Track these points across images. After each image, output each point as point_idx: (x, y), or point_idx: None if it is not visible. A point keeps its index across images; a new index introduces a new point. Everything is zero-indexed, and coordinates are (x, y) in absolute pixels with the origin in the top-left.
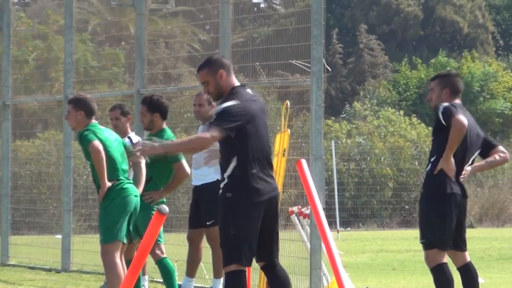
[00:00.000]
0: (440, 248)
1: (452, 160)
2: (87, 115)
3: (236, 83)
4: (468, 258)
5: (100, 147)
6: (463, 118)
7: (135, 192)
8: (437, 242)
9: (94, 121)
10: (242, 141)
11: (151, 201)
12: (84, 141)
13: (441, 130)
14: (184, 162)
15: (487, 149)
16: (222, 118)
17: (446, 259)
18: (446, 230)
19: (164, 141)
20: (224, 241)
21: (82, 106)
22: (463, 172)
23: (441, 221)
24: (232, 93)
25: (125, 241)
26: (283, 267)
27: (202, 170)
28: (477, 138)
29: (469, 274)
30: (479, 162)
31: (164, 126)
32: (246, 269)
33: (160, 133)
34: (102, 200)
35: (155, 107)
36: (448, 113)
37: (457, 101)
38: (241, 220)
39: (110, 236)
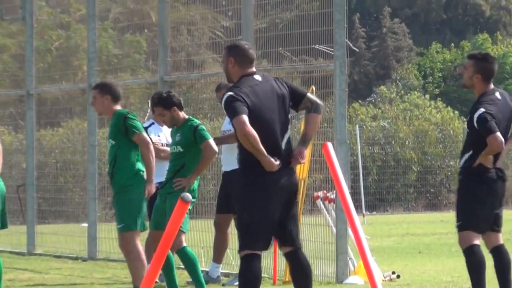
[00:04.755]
0: (474, 230)
1: (490, 156)
2: (114, 100)
3: (248, 72)
4: (501, 241)
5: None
6: (499, 135)
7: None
8: (471, 225)
9: (118, 107)
10: None
11: (181, 188)
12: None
13: (477, 130)
14: (211, 140)
15: None
16: (230, 108)
17: (479, 242)
18: (482, 214)
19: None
20: (237, 226)
21: (108, 91)
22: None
23: (478, 206)
24: (236, 82)
25: (144, 228)
26: (305, 255)
27: (233, 156)
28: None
29: (501, 256)
30: (509, 141)
31: (186, 116)
32: (261, 253)
33: (186, 125)
34: (119, 189)
35: (170, 103)
36: (484, 126)
37: (491, 88)
38: (250, 205)
39: (132, 224)
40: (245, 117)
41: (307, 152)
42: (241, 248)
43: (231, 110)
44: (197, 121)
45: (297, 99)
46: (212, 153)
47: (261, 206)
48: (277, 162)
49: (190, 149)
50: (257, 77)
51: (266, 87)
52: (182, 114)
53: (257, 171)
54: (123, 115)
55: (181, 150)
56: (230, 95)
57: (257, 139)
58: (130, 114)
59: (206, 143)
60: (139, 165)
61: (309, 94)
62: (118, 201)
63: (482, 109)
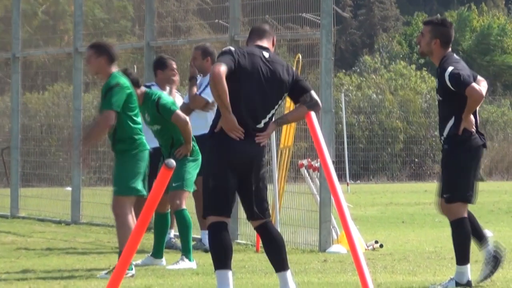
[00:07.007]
0: (464, 201)
1: (472, 118)
2: (109, 61)
3: (258, 44)
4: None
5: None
6: (477, 86)
7: (148, 147)
8: (462, 196)
9: (115, 68)
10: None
11: (183, 156)
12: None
13: (451, 94)
14: (178, 111)
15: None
16: (218, 56)
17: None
18: (470, 183)
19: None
20: (202, 190)
21: (103, 52)
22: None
23: (466, 175)
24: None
25: (141, 194)
26: (274, 227)
27: (201, 120)
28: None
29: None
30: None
31: (144, 89)
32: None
33: (148, 101)
34: (119, 153)
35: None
36: (459, 81)
37: (449, 51)
38: (211, 172)
39: (126, 189)
40: (224, 67)
41: (291, 125)
42: (205, 213)
43: (218, 58)
44: (155, 93)
45: (298, 90)
46: (184, 123)
47: (219, 172)
48: (240, 129)
49: (165, 122)
50: (266, 53)
51: (270, 66)
52: (140, 91)
53: (221, 138)
54: (108, 86)
55: (159, 127)
56: (228, 48)
57: (225, 91)
58: (116, 87)
59: (175, 116)
60: (136, 131)
61: (313, 92)
62: (116, 164)
63: (450, 67)
